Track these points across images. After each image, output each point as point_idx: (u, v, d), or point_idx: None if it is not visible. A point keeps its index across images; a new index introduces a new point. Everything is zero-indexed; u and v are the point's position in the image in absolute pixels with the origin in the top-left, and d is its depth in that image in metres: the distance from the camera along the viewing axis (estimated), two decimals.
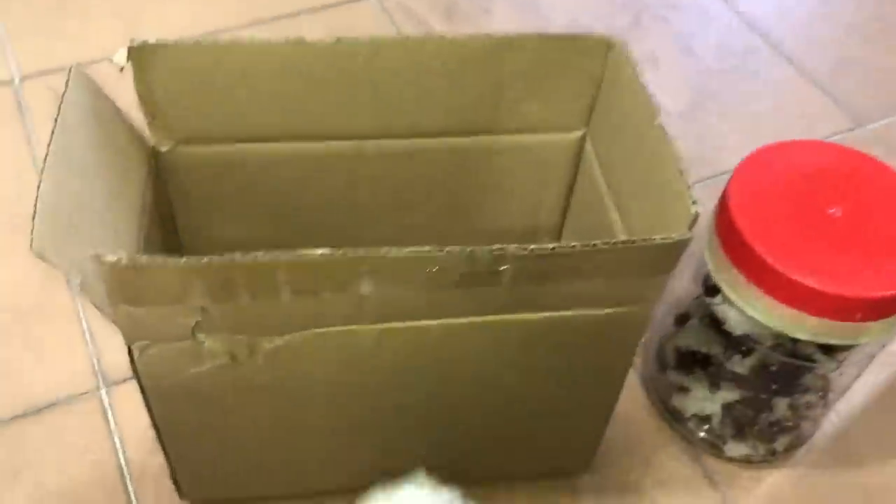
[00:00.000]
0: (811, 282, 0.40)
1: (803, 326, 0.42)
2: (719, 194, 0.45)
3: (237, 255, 0.32)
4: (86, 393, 0.50)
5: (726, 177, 0.43)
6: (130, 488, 0.47)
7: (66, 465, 0.47)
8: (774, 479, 0.51)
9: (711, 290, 0.46)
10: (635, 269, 0.36)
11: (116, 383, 0.50)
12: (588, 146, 0.47)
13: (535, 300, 0.37)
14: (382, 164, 0.46)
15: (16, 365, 0.51)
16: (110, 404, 0.49)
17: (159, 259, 0.32)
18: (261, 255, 0.32)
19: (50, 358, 0.51)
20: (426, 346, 0.38)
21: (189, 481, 0.45)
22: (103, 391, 0.50)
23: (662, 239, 0.34)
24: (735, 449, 0.51)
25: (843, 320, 0.41)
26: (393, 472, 0.37)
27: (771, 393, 0.49)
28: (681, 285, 0.50)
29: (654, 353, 0.54)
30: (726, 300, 0.44)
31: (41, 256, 0.30)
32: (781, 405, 0.49)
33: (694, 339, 0.50)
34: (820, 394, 0.50)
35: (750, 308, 0.43)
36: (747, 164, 0.45)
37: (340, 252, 0.32)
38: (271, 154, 0.45)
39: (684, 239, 0.34)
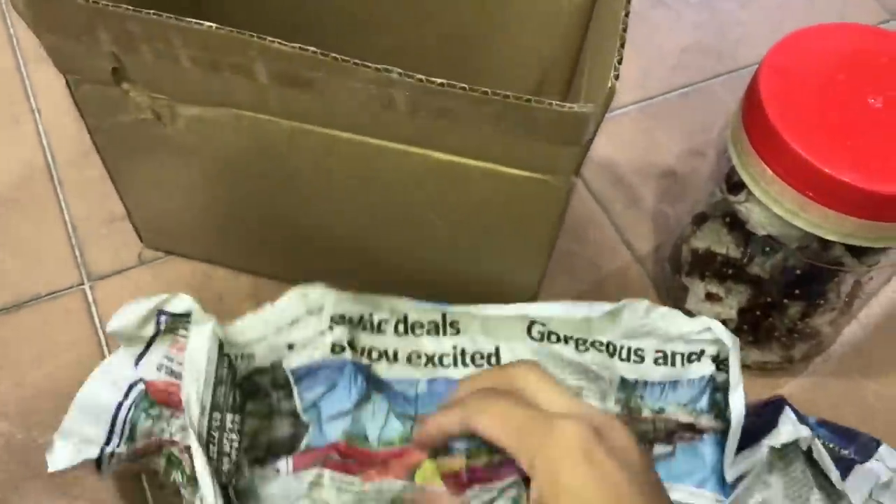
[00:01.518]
0: (847, 177, 0.36)
1: (836, 226, 0.38)
2: (741, 89, 0.41)
3: (130, 8, 0.32)
4: (70, 288, 0.48)
5: (747, 71, 0.40)
6: None
7: (48, 360, 0.45)
8: (790, 387, 0.48)
9: (735, 187, 0.42)
10: (538, 133, 0.33)
11: (101, 278, 0.49)
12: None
13: (440, 139, 0.35)
14: None
15: None
16: (94, 300, 0.48)
17: None
18: (154, 14, 0.32)
19: (32, 253, 0.49)
20: (338, 157, 0.37)
21: (146, 229, 0.48)
22: (87, 286, 0.48)
23: (557, 106, 0.31)
24: (752, 355, 0.48)
25: (880, 220, 0.37)
26: (328, 274, 0.38)
27: (792, 298, 0.45)
28: (701, 183, 0.46)
29: (669, 255, 0.51)
30: (750, 198, 0.41)
31: None
32: (800, 311, 0.46)
33: (712, 239, 0.46)
34: (845, 299, 0.45)
35: (778, 206, 0.39)
36: (779, 49, 0.40)
37: (228, 29, 0.32)
38: None
39: (583, 112, 0.31)
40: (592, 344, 0.40)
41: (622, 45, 0.32)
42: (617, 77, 0.31)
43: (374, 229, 0.43)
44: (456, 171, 0.36)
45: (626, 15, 0.33)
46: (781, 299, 0.45)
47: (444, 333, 0.41)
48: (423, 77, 0.31)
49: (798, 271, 0.43)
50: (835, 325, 0.47)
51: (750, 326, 0.47)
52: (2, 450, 0.41)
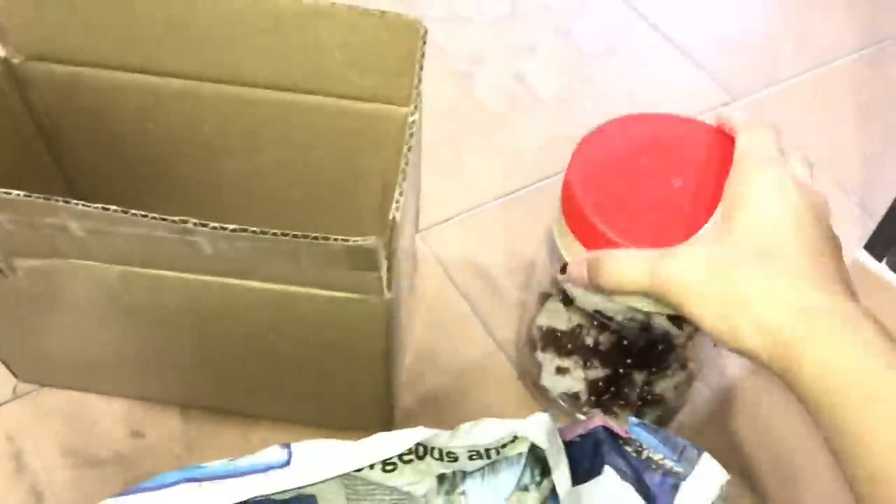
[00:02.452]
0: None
1: (640, 297, 0.40)
2: None
3: None
4: None
5: None
6: None
7: None
8: None
9: (563, 267, 0.44)
10: (338, 263, 0.36)
11: None
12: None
13: (253, 271, 0.38)
14: (222, 107, 0.47)
15: None
16: None
17: None
18: None
19: None
20: (169, 292, 0.40)
21: (17, 365, 0.50)
22: None
23: (343, 241, 0.34)
24: None
25: None
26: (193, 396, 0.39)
27: (630, 367, 0.47)
28: (543, 264, 0.49)
29: (525, 334, 0.54)
30: None
31: None
32: (642, 379, 0.48)
33: (553, 316, 0.49)
34: (682, 366, 0.48)
35: None
36: (589, 139, 0.43)
37: (36, 196, 0.34)
38: (113, 82, 0.46)
39: (368, 245, 0.34)
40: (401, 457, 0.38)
41: (403, 180, 0.35)
42: (398, 209, 0.34)
43: (223, 356, 0.45)
44: (279, 296, 0.39)
45: (409, 150, 0.37)
46: (624, 369, 0.47)
47: None
48: (216, 224, 0.34)
49: (630, 341, 0.45)
50: (679, 390, 0.50)
51: (598, 396, 0.49)
52: None
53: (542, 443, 0.37)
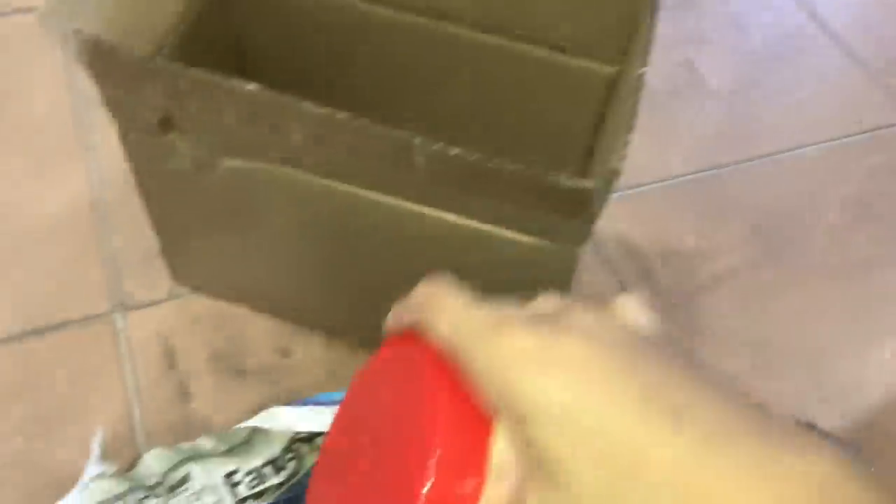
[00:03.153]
0: None
1: None
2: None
3: (185, 69, 0.35)
4: (101, 315, 0.54)
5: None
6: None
7: (75, 382, 0.48)
8: None
9: None
10: (546, 204, 0.35)
11: (132, 309, 0.51)
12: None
13: (454, 202, 0.38)
14: (424, 40, 0.47)
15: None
16: (123, 328, 0.49)
17: (124, 49, 0.36)
18: (204, 75, 0.35)
19: (70, 280, 0.50)
20: (360, 215, 0.40)
21: (177, 267, 0.51)
22: (118, 315, 0.50)
23: (564, 180, 0.33)
24: None
25: None
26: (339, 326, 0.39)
27: None
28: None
29: None
30: None
31: (42, 25, 0.35)
32: None
33: None
34: None
35: None
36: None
37: (269, 92, 0.34)
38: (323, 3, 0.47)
39: (586, 187, 0.33)
40: None
41: (630, 131, 0.35)
42: (622, 159, 0.34)
43: (390, 290, 0.45)
44: (469, 234, 0.39)
45: (637, 101, 0.36)
46: None
47: None
48: (441, 144, 0.34)
49: None
50: None
51: None
52: (20, 464, 0.44)
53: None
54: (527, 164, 0.34)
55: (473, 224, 0.38)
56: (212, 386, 0.48)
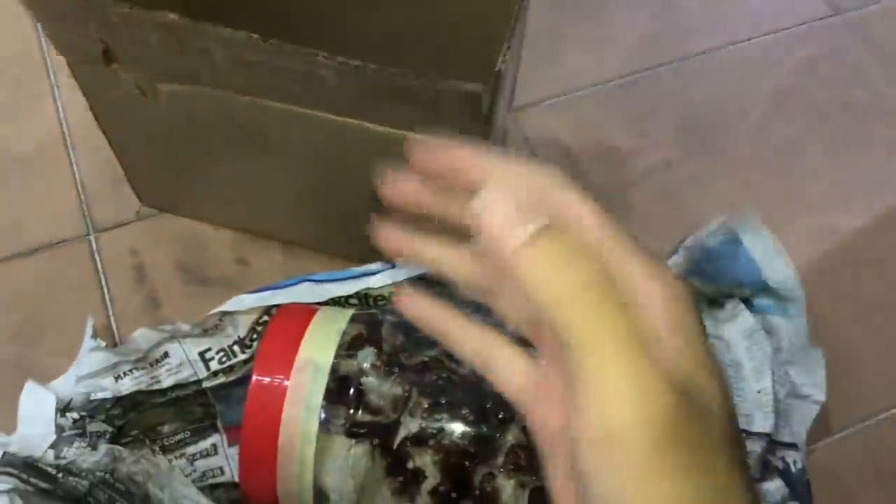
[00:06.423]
0: None
1: None
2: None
3: (113, 2, 0.39)
4: (76, 238, 0.55)
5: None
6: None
7: (54, 299, 0.53)
8: None
9: None
10: (444, 109, 0.39)
11: (104, 230, 0.53)
12: None
13: (369, 111, 0.42)
14: None
15: None
16: (97, 249, 0.54)
17: None
18: (128, 7, 0.39)
19: (44, 207, 0.58)
20: (287, 127, 0.44)
21: (142, 189, 0.56)
22: (92, 237, 0.56)
23: (442, 84, 0.37)
24: None
25: None
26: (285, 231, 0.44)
27: None
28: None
29: None
30: None
31: None
32: None
33: None
34: None
35: None
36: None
37: (187, 20, 0.38)
38: None
39: (468, 91, 0.37)
40: None
41: (512, 34, 0.38)
42: (504, 61, 0.37)
43: (328, 196, 0.49)
44: (384, 138, 0.43)
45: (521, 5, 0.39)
46: None
47: None
48: (343, 59, 0.38)
49: None
50: None
51: None
52: (13, 368, 0.50)
53: None
54: (420, 72, 0.38)
55: (387, 129, 0.42)
56: (179, 294, 0.53)
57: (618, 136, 0.63)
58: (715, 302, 0.49)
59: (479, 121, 0.40)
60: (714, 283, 0.48)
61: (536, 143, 0.62)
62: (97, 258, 0.55)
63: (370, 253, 0.47)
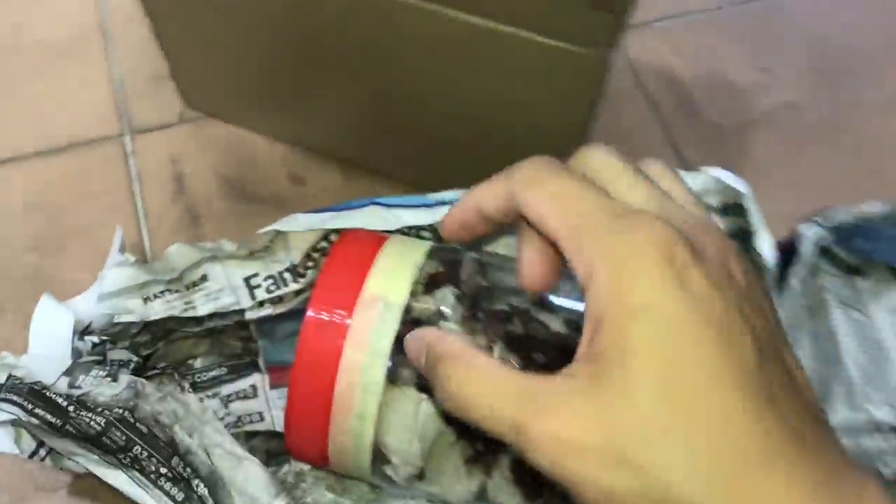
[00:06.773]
0: None
1: None
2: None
3: None
4: (110, 138, 0.50)
5: None
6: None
7: (83, 203, 0.47)
8: None
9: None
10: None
11: (141, 132, 0.50)
12: None
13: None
14: None
15: None
16: (132, 151, 0.48)
17: None
18: None
19: (78, 103, 0.51)
20: (370, 18, 0.37)
21: (188, 89, 0.49)
22: (127, 138, 0.51)
23: None
24: None
25: None
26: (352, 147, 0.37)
27: None
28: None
29: None
30: None
31: None
32: None
33: None
34: None
35: None
36: None
37: None
38: None
39: None
40: None
41: None
42: None
43: (406, 101, 0.42)
44: (476, 35, 0.35)
45: None
46: None
47: None
48: None
49: None
50: None
51: None
52: (31, 279, 0.44)
53: (741, 188, 0.36)
54: None
55: (481, 21, 0.34)
56: (222, 211, 0.46)
57: (737, 69, 0.55)
58: (857, 270, 0.42)
59: (607, 8, 0.32)
60: (867, 259, 0.40)
61: (641, 69, 0.54)
62: (131, 163, 0.48)
63: (443, 182, 0.40)
